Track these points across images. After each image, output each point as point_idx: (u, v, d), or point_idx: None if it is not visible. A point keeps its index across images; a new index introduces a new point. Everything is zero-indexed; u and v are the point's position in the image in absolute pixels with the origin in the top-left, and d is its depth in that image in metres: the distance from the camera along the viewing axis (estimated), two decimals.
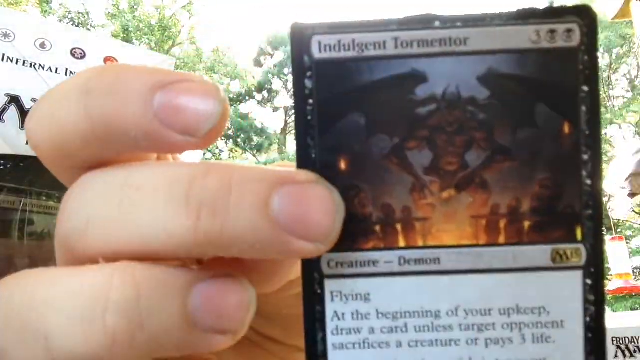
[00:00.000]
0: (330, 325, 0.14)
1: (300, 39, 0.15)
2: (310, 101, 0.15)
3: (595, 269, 0.14)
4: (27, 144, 0.41)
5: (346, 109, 0.15)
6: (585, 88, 0.14)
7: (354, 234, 0.14)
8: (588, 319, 0.14)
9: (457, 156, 0.14)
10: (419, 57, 0.14)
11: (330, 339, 0.14)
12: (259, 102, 13.88)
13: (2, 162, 0.39)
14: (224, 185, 0.13)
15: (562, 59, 0.14)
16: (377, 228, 0.14)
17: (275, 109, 13.93)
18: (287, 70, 13.52)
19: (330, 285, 0.14)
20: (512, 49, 0.14)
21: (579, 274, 0.14)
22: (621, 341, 1.24)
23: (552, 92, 0.14)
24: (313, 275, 0.14)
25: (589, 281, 0.14)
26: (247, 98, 13.70)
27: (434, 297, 0.14)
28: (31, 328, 0.13)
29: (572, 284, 0.14)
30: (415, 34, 0.14)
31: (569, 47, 0.14)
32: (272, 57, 14.02)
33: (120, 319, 0.12)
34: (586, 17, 0.14)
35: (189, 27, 13.02)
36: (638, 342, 1.24)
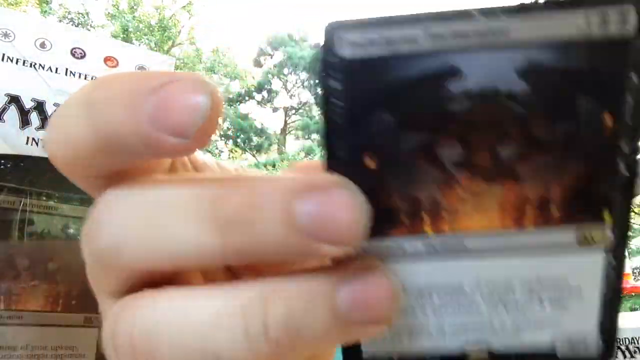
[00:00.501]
0: None
1: (329, 38, 0.14)
2: (339, 102, 0.14)
3: (618, 252, 0.15)
4: (27, 143, 0.41)
5: (376, 107, 0.14)
6: (635, 79, 0.13)
7: (382, 226, 0.14)
8: (605, 293, 0.15)
9: (490, 150, 0.14)
10: (453, 52, 0.14)
11: None
12: (258, 103, 13.88)
13: (2, 162, 0.39)
14: (247, 199, 0.13)
15: (613, 48, 0.13)
16: (405, 219, 0.15)
17: (275, 109, 13.93)
18: (287, 70, 13.53)
19: None
20: (556, 38, 0.13)
21: (602, 256, 0.15)
22: (621, 341, 1.24)
23: (596, 82, 0.13)
24: None
25: (612, 262, 0.15)
26: (246, 98, 13.71)
27: (459, 275, 0.15)
28: (200, 347, 0.13)
29: (595, 264, 0.15)
30: (450, 26, 0.14)
31: (622, 34, 0.13)
32: (271, 58, 14.02)
33: (280, 333, 0.13)
34: None
35: (188, 27, 13.03)
36: (638, 342, 1.24)
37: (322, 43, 0.14)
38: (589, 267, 0.15)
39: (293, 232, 0.13)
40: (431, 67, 0.14)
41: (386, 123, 0.14)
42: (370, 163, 0.14)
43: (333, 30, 0.14)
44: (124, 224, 0.14)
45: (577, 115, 0.14)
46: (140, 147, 0.13)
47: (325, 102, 0.14)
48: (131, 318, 0.14)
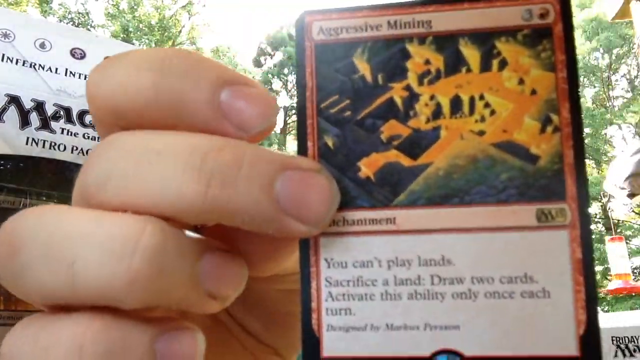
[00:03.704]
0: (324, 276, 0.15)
1: (301, 24, 0.16)
2: (310, 84, 0.16)
3: (581, 227, 0.14)
4: (27, 143, 0.41)
5: (341, 90, 0.16)
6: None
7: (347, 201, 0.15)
8: (576, 277, 0.14)
9: (433, 113, 0.15)
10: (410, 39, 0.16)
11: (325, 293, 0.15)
12: None
13: (2, 162, 0.39)
14: (236, 161, 0.14)
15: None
16: (365, 195, 0.15)
17: None
18: (287, 70, 13.53)
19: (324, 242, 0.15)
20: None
21: (564, 233, 0.14)
22: (621, 341, 1.24)
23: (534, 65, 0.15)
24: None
25: (575, 240, 0.14)
26: None
27: (424, 250, 0.15)
28: (59, 252, 0.14)
29: (558, 242, 0.14)
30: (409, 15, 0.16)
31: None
32: (272, 58, 14.01)
33: (144, 263, 0.13)
34: None
35: (189, 27, 13.02)
36: (638, 342, 1.24)
37: (296, 28, 0.16)
38: (552, 246, 0.14)
39: (268, 199, 0.14)
40: (389, 51, 0.16)
41: (348, 104, 0.16)
42: (337, 144, 0.15)
43: (304, 16, 0.16)
44: (114, 162, 0.14)
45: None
46: (199, 122, 0.15)
47: (297, 87, 0.16)
48: (20, 216, 0.15)
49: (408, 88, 0.15)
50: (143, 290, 0.13)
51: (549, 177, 0.15)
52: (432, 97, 0.15)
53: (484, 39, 0.15)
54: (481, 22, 0.15)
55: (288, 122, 13.65)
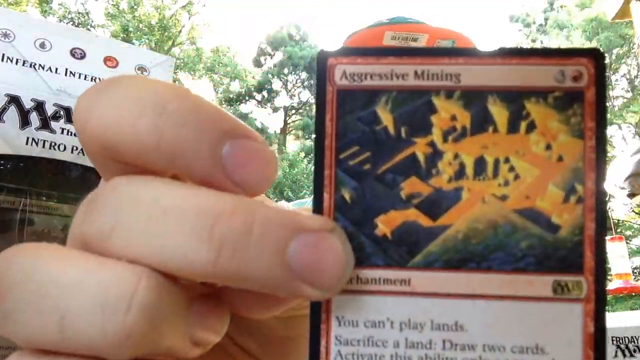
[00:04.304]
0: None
1: (323, 66, 0.15)
2: (329, 131, 0.15)
3: (596, 302, 0.14)
4: (27, 143, 0.41)
5: (362, 141, 0.15)
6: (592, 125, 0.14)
7: (363, 257, 0.15)
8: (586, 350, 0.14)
9: (457, 179, 0.15)
10: (437, 92, 0.15)
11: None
12: (258, 102, 13.88)
13: (2, 162, 0.39)
14: (247, 226, 0.13)
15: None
16: (384, 253, 0.15)
17: (275, 109, 13.92)
18: (287, 70, 13.52)
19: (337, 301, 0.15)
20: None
21: (579, 307, 0.14)
22: (621, 341, 1.24)
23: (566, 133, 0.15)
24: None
25: (589, 314, 0.14)
26: (246, 98, 13.70)
27: (436, 316, 0.14)
28: (50, 302, 0.13)
29: (572, 315, 0.14)
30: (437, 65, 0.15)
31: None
32: (272, 57, 14.01)
33: (139, 320, 0.13)
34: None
35: (189, 27, 13.02)
36: (638, 342, 1.24)
37: (318, 70, 0.15)
38: (565, 319, 0.14)
39: (281, 266, 0.13)
40: (415, 104, 0.15)
41: (367, 158, 0.15)
42: (354, 199, 0.15)
43: (326, 58, 0.15)
44: (119, 214, 0.14)
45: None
46: (198, 175, 0.14)
47: (317, 129, 0.15)
48: (6, 257, 0.14)
49: (432, 144, 0.15)
50: (135, 345, 0.13)
51: (568, 248, 0.14)
52: (456, 156, 0.15)
53: (514, 98, 0.15)
54: (512, 80, 0.15)
55: (288, 122, 13.64)
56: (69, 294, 0.13)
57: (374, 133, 0.15)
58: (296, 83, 13.70)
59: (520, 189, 0.14)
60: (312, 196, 0.15)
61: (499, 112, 0.15)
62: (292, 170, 10.89)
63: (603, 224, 0.14)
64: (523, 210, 0.14)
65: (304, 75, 13.53)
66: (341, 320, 0.15)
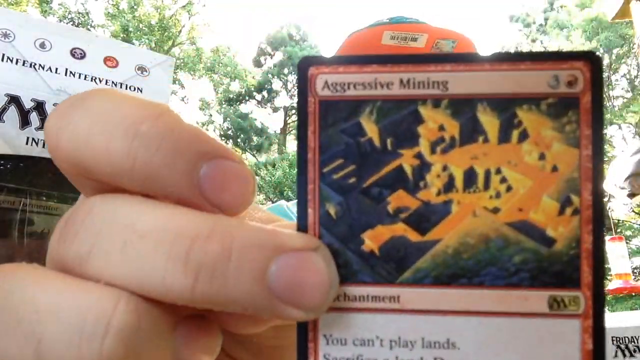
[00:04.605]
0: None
1: (304, 75, 0.15)
2: (312, 144, 0.15)
3: (594, 318, 0.14)
4: (27, 143, 0.41)
5: (346, 154, 0.15)
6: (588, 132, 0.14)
7: (348, 273, 0.15)
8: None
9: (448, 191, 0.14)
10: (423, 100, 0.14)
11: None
12: (258, 102, 13.87)
13: (2, 162, 0.39)
14: (224, 251, 0.13)
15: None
16: (371, 267, 0.14)
17: (275, 109, 13.92)
18: (287, 70, 13.52)
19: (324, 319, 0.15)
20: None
21: (576, 323, 0.14)
22: (621, 341, 1.24)
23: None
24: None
25: (587, 330, 0.14)
26: (247, 98, 13.70)
27: (429, 332, 0.14)
28: (26, 327, 0.13)
29: (569, 332, 0.14)
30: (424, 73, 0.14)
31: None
32: (272, 58, 14.00)
33: (117, 346, 0.13)
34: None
35: (189, 27, 13.01)
36: (638, 342, 1.24)
37: (299, 80, 0.15)
38: (562, 335, 0.14)
39: (263, 291, 0.13)
40: (401, 113, 0.14)
41: (352, 171, 0.15)
42: (333, 211, 0.15)
43: (308, 66, 0.15)
44: (95, 237, 0.14)
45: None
46: (176, 197, 0.14)
47: (299, 142, 0.15)
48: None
49: (419, 156, 0.14)
50: None
51: (564, 262, 0.14)
52: (444, 168, 0.14)
53: (505, 105, 0.14)
54: (503, 87, 0.14)
55: (288, 122, 13.64)
56: (45, 319, 0.13)
57: (359, 145, 0.14)
58: (296, 83, 13.64)
59: (512, 201, 0.14)
60: (296, 211, 0.15)
61: (489, 121, 0.14)
62: (292, 171, 10.88)
63: (601, 237, 0.14)
64: (516, 223, 0.14)
65: None
66: (329, 339, 0.14)
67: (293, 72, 13.64)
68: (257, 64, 14.03)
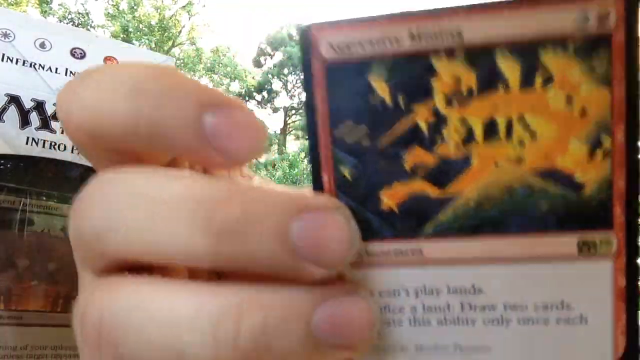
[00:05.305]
0: None
1: (306, 39, 0.14)
2: (321, 110, 0.14)
3: (628, 257, 0.13)
4: (27, 143, 0.41)
5: (356, 115, 0.14)
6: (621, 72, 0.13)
7: (369, 232, 0.14)
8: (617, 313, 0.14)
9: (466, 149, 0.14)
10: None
11: None
12: (258, 103, 13.87)
13: (2, 162, 0.39)
14: (245, 212, 0.13)
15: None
16: (391, 225, 0.14)
17: (275, 110, 13.92)
18: (287, 70, 13.52)
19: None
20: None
21: (608, 263, 0.13)
22: None
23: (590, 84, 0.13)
24: None
25: (620, 270, 0.13)
26: (246, 98, 13.69)
27: (461, 279, 0.14)
28: (166, 343, 0.13)
29: (600, 272, 0.13)
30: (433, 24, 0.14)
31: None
32: (271, 58, 14.01)
33: (250, 344, 0.13)
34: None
35: (189, 27, 13.01)
36: None
37: (302, 45, 0.14)
38: (594, 275, 0.13)
39: (284, 249, 0.13)
40: (411, 70, 0.14)
41: (363, 131, 0.14)
42: (349, 174, 0.14)
43: (310, 32, 0.14)
44: (116, 210, 0.14)
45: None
46: (184, 151, 0.14)
47: (307, 109, 0.14)
48: (104, 301, 0.14)
49: (434, 111, 0.14)
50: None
51: (594, 206, 0.13)
52: (462, 121, 0.14)
53: (527, 50, 0.13)
54: (524, 30, 0.13)
55: (288, 122, 13.64)
56: (182, 333, 0.13)
57: (370, 106, 0.14)
58: (296, 83, 13.68)
59: (537, 148, 0.13)
60: (311, 177, 0.14)
61: (509, 68, 0.13)
62: (292, 171, 10.89)
63: (636, 181, 0.13)
64: (542, 171, 0.13)
65: None
66: None
67: (293, 73, 13.64)
68: (257, 64, 14.03)
